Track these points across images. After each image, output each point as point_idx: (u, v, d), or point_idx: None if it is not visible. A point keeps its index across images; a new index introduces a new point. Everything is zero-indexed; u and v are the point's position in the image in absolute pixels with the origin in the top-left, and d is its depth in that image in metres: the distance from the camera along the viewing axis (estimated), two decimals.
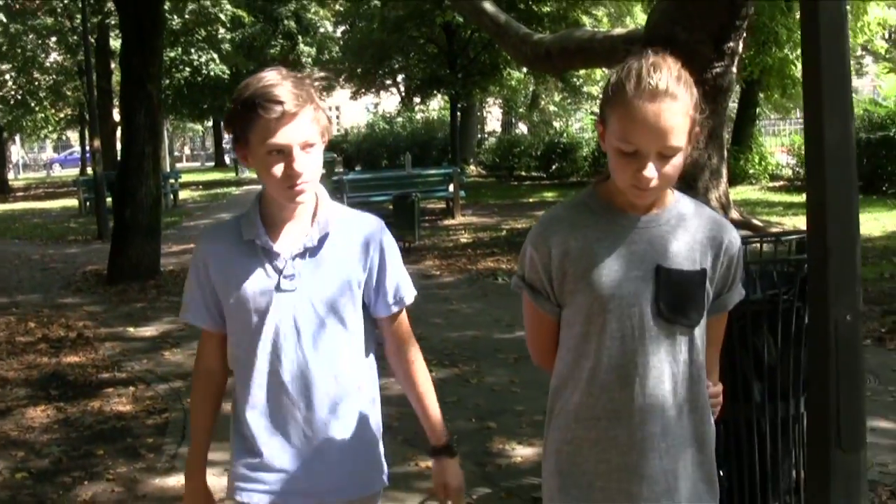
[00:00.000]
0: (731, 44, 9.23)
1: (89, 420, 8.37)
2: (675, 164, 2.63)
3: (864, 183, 24.49)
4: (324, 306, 3.05)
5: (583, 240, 2.79)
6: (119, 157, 18.01)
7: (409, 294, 3.22)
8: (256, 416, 3.09)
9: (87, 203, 31.79)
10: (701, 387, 2.83)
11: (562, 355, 2.90)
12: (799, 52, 26.75)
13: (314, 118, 2.93)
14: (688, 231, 2.80)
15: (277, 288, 3.03)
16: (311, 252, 3.05)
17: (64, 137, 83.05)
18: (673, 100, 2.60)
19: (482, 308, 12.75)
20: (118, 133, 30.63)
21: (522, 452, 7.05)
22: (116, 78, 37.04)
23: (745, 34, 13.29)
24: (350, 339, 3.12)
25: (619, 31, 18.99)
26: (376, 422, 3.24)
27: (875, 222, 18.46)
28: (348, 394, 3.11)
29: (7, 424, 8.28)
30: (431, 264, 16.95)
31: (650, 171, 2.61)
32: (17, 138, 68.86)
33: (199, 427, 3.25)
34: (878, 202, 21.87)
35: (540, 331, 3.00)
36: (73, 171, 69.35)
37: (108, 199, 22.94)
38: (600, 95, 2.83)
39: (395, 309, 3.19)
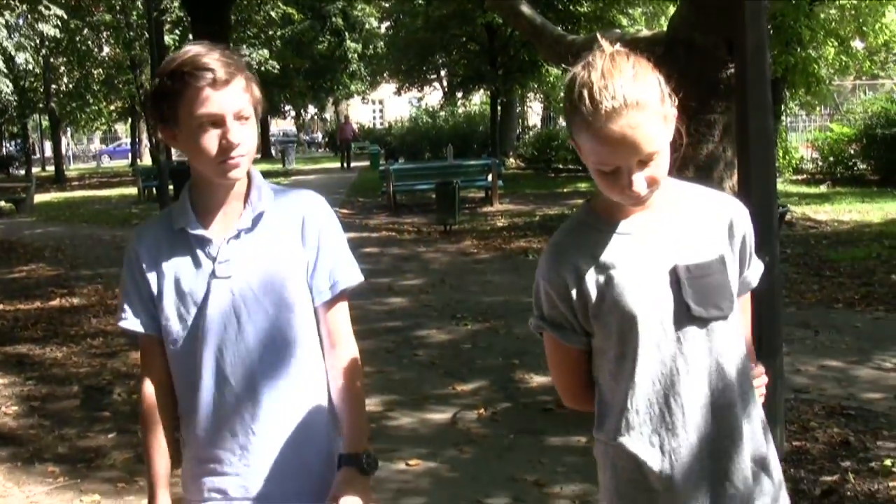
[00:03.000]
0: None
1: None
2: (660, 163, 2.47)
3: (879, 177, 25.96)
4: (264, 291, 2.83)
5: (593, 260, 2.62)
6: None
7: (348, 278, 2.94)
8: (201, 417, 2.86)
9: (146, 190, 33.57)
10: (746, 375, 2.69)
11: (602, 383, 2.71)
12: (822, 51, 28.17)
13: (246, 88, 2.75)
14: (694, 220, 2.64)
15: (213, 275, 2.81)
16: (245, 234, 2.84)
17: (112, 129, 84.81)
18: (637, 109, 2.40)
19: (513, 279, 14.35)
20: None
21: (538, 380, 8.71)
22: None
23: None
24: (297, 325, 2.88)
25: (644, 33, 20.42)
26: (329, 419, 2.96)
27: (879, 211, 19.94)
28: (299, 386, 2.89)
29: (115, 363, 10.03)
30: (469, 244, 18.56)
31: (638, 183, 2.46)
32: (68, 130, 70.54)
33: (156, 470, 2.90)
34: (888, 194, 23.21)
35: (569, 368, 2.82)
36: (121, 162, 71.16)
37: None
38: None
39: (327, 295, 2.91)
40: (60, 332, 11.64)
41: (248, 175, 2.87)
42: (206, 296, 2.81)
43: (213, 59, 2.67)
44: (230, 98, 2.69)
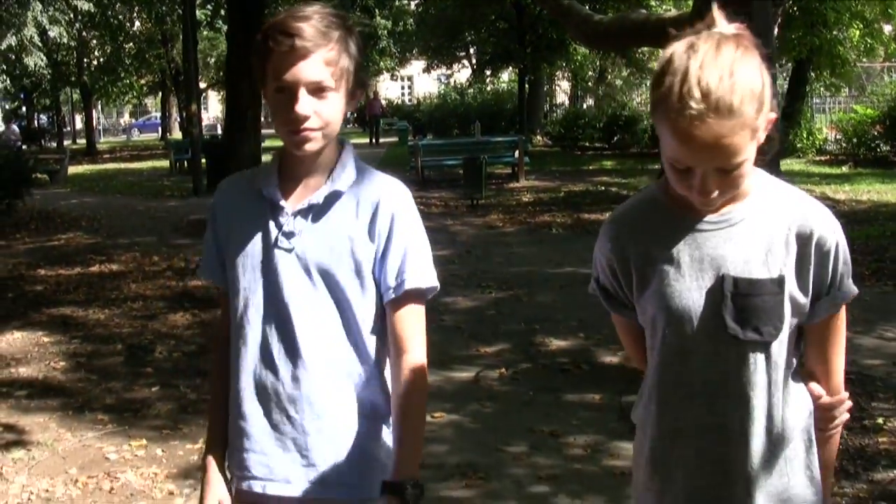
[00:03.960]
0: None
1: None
2: (740, 173, 2.29)
3: None
4: (320, 273, 2.70)
5: (643, 245, 2.51)
6: (224, 119, 20.03)
7: (418, 279, 2.71)
8: (244, 392, 2.77)
9: (178, 163, 34.20)
10: (783, 411, 2.46)
11: (648, 359, 2.62)
12: (848, 33, 28.42)
13: (333, 60, 2.58)
14: (766, 230, 2.41)
15: (275, 244, 2.71)
16: (315, 210, 2.71)
17: (142, 103, 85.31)
18: (726, 117, 2.18)
19: (537, 251, 14.81)
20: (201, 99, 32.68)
21: (557, 343, 9.21)
22: (200, 47, 39.07)
23: (778, 19, 15.07)
24: (349, 316, 2.71)
25: (671, 13, 20.79)
26: (378, 416, 2.79)
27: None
28: (345, 381, 2.74)
29: (156, 324, 10.53)
30: (496, 217, 19.01)
31: (708, 190, 2.30)
32: (98, 104, 71.14)
33: (216, 406, 2.94)
34: None
35: (625, 332, 2.77)
36: (151, 136, 71.80)
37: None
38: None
39: (392, 294, 2.71)
40: (101, 296, 12.15)
41: (341, 148, 2.80)
42: (266, 263, 2.72)
43: (302, 23, 2.55)
44: (308, 68, 2.54)
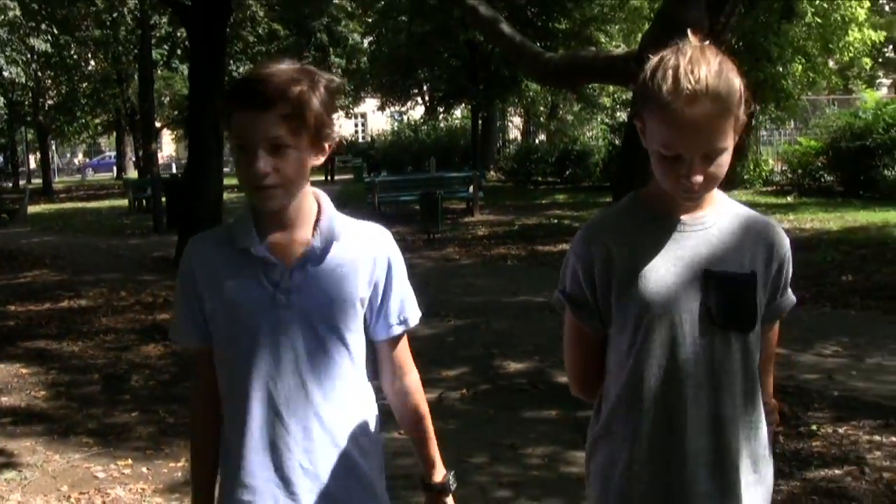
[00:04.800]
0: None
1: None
2: (721, 162, 2.49)
3: (844, 188, 26.96)
4: (324, 325, 2.77)
5: (626, 246, 2.64)
6: (187, 160, 20.34)
7: (414, 315, 2.97)
8: (249, 450, 2.78)
9: (137, 202, 34.37)
10: (756, 400, 2.69)
11: (611, 375, 2.74)
12: (791, 68, 29.18)
13: (290, 115, 2.61)
14: (735, 233, 2.65)
15: (273, 302, 2.74)
16: (312, 263, 2.77)
17: (96, 143, 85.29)
18: (715, 101, 2.41)
19: (493, 282, 15.34)
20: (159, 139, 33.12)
21: (514, 366, 9.76)
22: (156, 87, 39.40)
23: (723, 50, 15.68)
24: (352, 362, 2.84)
25: (618, 51, 21.39)
26: (379, 454, 2.97)
27: (839, 220, 20.96)
28: (352, 423, 2.85)
29: (129, 355, 10.96)
30: (452, 251, 19.55)
31: (696, 175, 2.47)
32: (52, 143, 71.21)
33: (203, 478, 2.96)
34: (850, 204, 24.26)
35: (582, 351, 2.85)
36: (105, 175, 71.77)
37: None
38: (634, 90, 2.69)
39: (396, 331, 2.92)
40: (73, 330, 12.53)
41: (318, 200, 2.85)
42: (263, 322, 2.74)
43: (262, 80, 2.60)
44: (264, 125, 2.59)
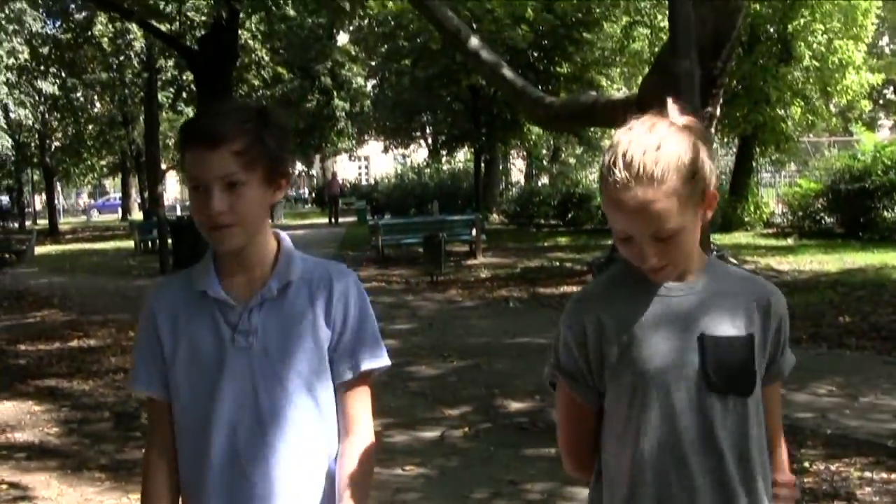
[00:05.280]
0: (710, 109, 11.60)
1: None
2: (678, 241, 2.45)
3: (844, 230, 27.22)
4: (285, 367, 2.70)
5: (618, 316, 2.56)
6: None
7: (373, 361, 2.79)
8: (209, 496, 2.71)
9: (142, 243, 34.70)
10: (756, 467, 2.55)
11: (607, 448, 2.64)
12: (790, 110, 29.52)
13: (242, 151, 2.57)
14: (729, 296, 2.57)
15: (231, 344, 2.69)
16: (269, 304, 2.71)
17: (101, 184, 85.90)
18: (648, 186, 2.37)
19: (495, 323, 15.57)
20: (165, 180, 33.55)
21: (515, 406, 9.97)
22: (161, 129, 39.83)
23: (720, 100, 15.95)
24: (317, 406, 2.74)
25: (617, 95, 21.76)
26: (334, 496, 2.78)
27: (838, 262, 21.24)
28: (318, 472, 2.76)
29: (140, 394, 11.17)
30: (455, 293, 19.77)
31: (648, 257, 2.45)
32: (57, 185, 71.76)
33: None
34: (850, 246, 24.53)
35: (577, 425, 2.74)
36: (110, 217, 72.23)
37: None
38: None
39: (348, 376, 2.77)
40: (83, 369, 12.80)
41: (278, 240, 2.80)
42: (222, 365, 2.68)
43: (212, 119, 2.59)
44: (217, 162, 2.55)
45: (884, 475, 7.32)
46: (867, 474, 7.34)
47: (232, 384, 2.67)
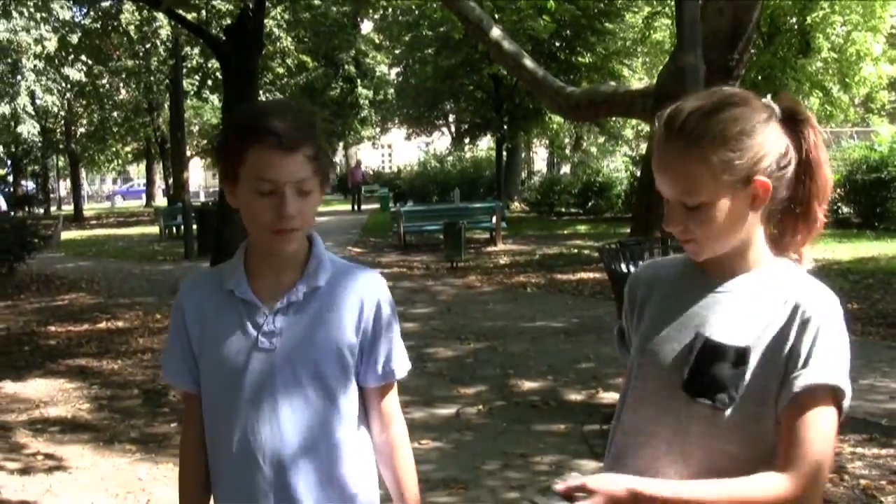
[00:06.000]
0: None
1: None
2: (707, 217, 2.29)
3: (861, 220, 27.44)
4: (307, 371, 2.69)
5: (654, 295, 2.54)
6: (220, 189, 21.06)
7: (401, 367, 2.83)
8: (224, 491, 2.75)
9: (167, 229, 35.26)
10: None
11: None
12: (810, 101, 29.73)
13: (313, 157, 2.58)
14: (753, 301, 2.35)
15: (255, 346, 2.68)
16: (295, 307, 2.70)
17: (125, 171, 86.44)
18: (686, 145, 2.26)
19: (512, 308, 15.96)
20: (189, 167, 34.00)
21: (529, 385, 10.36)
22: (185, 116, 40.09)
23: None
24: (337, 411, 2.72)
25: (637, 86, 22.01)
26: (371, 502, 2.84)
27: (852, 251, 21.56)
28: (335, 477, 2.74)
29: None
30: (474, 279, 20.14)
31: (674, 223, 2.35)
32: (82, 171, 72.36)
33: None
34: (865, 236, 24.82)
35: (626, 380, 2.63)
36: (134, 203, 72.82)
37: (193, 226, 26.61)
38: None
39: (382, 382, 2.81)
40: (112, 349, 13.24)
41: (310, 241, 2.78)
42: (245, 366, 2.68)
43: (281, 121, 2.53)
44: (292, 167, 2.54)
45: (875, 450, 7.65)
46: (859, 450, 7.67)
47: (253, 384, 2.68)
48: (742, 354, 2.30)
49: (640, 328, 2.53)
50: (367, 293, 2.76)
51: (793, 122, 2.35)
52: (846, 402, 2.26)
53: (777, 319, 2.30)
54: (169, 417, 9.49)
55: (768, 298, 2.33)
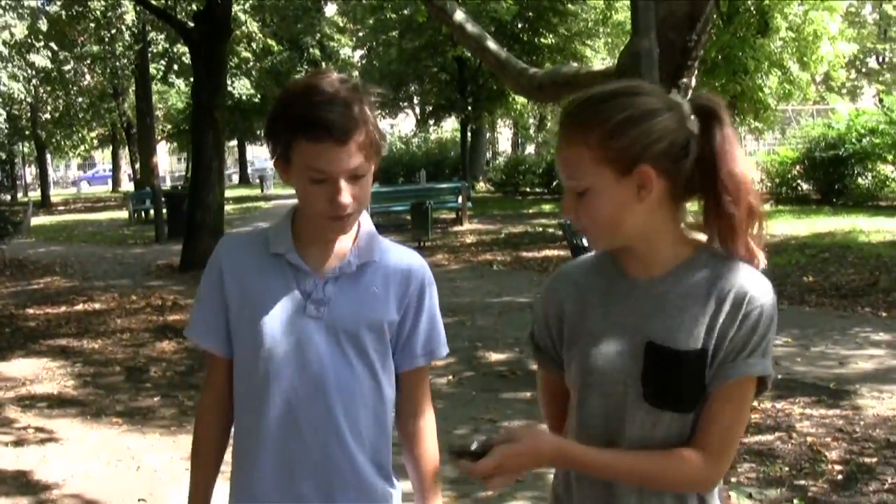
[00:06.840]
0: (685, 80, 12.19)
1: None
2: (589, 204, 2.28)
3: (820, 196, 28.01)
4: (350, 342, 2.65)
5: (579, 304, 2.46)
6: (191, 172, 21.45)
7: (441, 349, 2.81)
8: (265, 462, 2.68)
9: (136, 213, 35.55)
10: None
11: (569, 420, 2.53)
12: (769, 80, 30.18)
13: (365, 141, 2.49)
14: (698, 298, 2.29)
15: (302, 311, 2.63)
16: (346, 278, 2.66)
17: (91, 157, 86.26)
18: (570, 131, 2.27)
19: (479, 284, 16.49)
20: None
21: (496, 356, 10.89)
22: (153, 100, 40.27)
23: (696, 71, 16.63)
24: (377, 385, 2.71)
25: (597, 67, 22.43)
26: (388, 476, 2.79)
27: (810, 226, 22.14)
28: (369, 443, 2.71)
29: (146, 351, 12.03)
30: (441, 258, 20.66)
31: (566, 208, 2.36)
32: (48, 157, 72.14)
33: (202, 480, 2.83)
34: (823, 211, 25.40)
35: (545, 393, 2.71)
36: (99, 188, 72.71)
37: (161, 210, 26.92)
38: None
39: (421, 362, 2.78)
40: (91, 330, 13.63)
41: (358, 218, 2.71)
42: (291, 330, 2.63)
43: (335, 111, 2.45)
44: (346, 158, 2.47)
45: (822, 411, 8.18)
46: (808, 411, 8.20)
47: (297, 350, 2.63)
48: (701, 356, 2.27)
49: (579, 344, 2.44)
50: (414, 272, 2.76)
51: (705, 117, 2.33)
52: (769, 383, 2.31)
53: (727, 314, 2.26)
54: (151, 393, 9.91)
55: (703, 293, 2.30)
